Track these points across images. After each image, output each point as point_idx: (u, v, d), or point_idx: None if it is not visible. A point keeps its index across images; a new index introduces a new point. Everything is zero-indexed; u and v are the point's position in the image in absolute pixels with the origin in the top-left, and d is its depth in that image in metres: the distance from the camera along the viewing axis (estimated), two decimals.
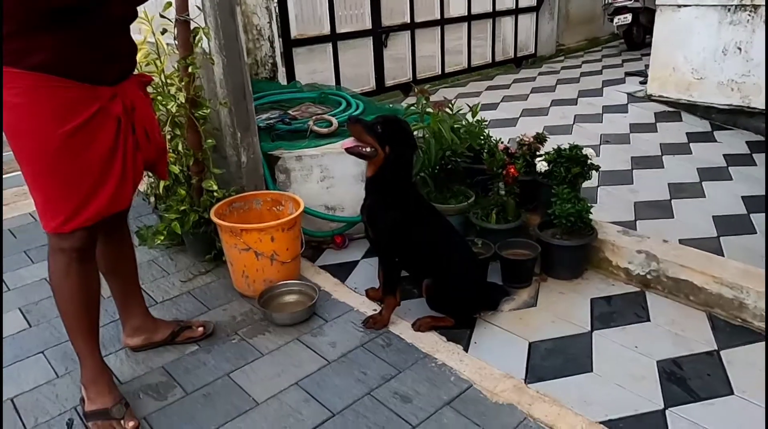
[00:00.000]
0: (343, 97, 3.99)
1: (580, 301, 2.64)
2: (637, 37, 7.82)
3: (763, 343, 2.31)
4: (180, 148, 2.77)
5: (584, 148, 2.82)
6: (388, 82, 5.88)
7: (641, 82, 6.12)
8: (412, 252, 2.38)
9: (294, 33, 4.96)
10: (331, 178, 3.17)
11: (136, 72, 1.98)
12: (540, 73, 6.80)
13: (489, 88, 6.26)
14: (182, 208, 2.85)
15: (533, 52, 7.56)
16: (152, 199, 3.26)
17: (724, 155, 4.53)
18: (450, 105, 2.72)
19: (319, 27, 5.18)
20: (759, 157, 4.42)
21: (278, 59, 4.70)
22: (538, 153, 3.06)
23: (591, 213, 2.72)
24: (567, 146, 2.88)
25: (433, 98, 5.88)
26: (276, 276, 2.63)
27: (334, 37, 5.26)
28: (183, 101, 2.63)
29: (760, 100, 4.97)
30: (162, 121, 2.74)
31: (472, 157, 3.11)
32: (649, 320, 2.49)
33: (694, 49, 5.32)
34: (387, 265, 2.42)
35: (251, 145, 3.01)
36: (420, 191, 2.45)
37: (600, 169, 2.96)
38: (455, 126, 2.78)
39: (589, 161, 2.82)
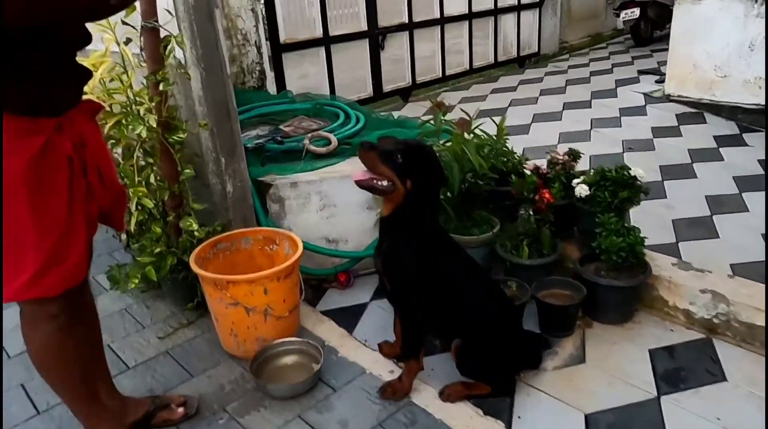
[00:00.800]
0: (341, 108, 3.54)
1: (636, 354, 2.21)
2: (645, 32, 7.41)
3: None
4: (152, 179, 2.31)
5: (633, 169, 2.38)
6: (386, 88, 5.43)
7: (657, 81, 5.71)
8: (438, 307, 1.94)
9: (283, 37, 4.50)
10: (331, 206, 2.73)
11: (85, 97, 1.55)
12: (547, 74, 6.38)
13: (494, 90, 5.82)
14: (157, 249, 2.39)
15: (536, 50, 7.14)
16: (123, 235, 2.80)
17: (759, 161, 4.13)
18: (471, 120, 2.28)
19: (310, 30, 4.72)
20: None
21: (266, 66, 4.23)
22: (571, 171, 2.63)
23: (644, 246, 2.29)
24: (613, 168, 2.44)
25: (438, 103, 5.48)
26: (271, 333, 2.18)
27: (327, 41, 4.81)
28: (154, 125, 2.17)
29: None
30: (129, 149, 2.29)
31: (497, 179, 2.67)
32: (725, 379, 2.06)
33: (716, 45, 4.91)
34: (408, 325, 1.98)
35: (238, 172, 2.56)
36: (446, 232, 2.00)
37: (647, 191, 2.52)
38: (478, 144, 2.33)
39: (638, 183, 2.38)
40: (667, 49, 7.05)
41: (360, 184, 1.84)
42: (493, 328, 1.95)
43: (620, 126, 4.76)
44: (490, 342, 1.94)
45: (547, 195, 2.41)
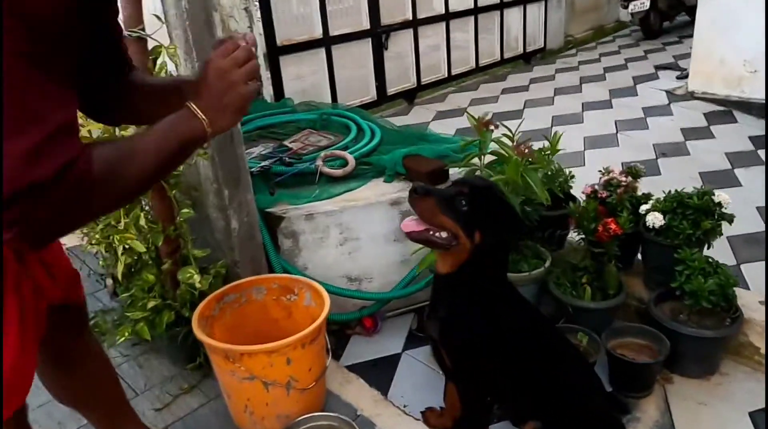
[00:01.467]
0: (352, 118, 3.13)
1: (734, 417, 1.85)
2: (655, 24, 7.07)
3: None
4: (143, 221, 1.90)
5: (715, 193, 2.01)
6: (390, 90, 5.03)
7: (679, 77, 5.37)
8: (511, 385, 1.56)
9: (280, 38, 4.08)
10: (354, 240, 2.33)
11: None
12: (557, 71, 6.01)
13: (504, 90, 5.45)
14: (151, 303, 1.98)
15: (542, 45, 6.78)
16: (109, 280, 2.39)
17: None
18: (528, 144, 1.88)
19: (309, 29, 4.31)
20: None
21: (263, 71, 3.82)
22: (633, 193, 2.26)
23: (737, 286, 1.92)
24: (692, 190, 2.07)
25: (442, 107, 5.09)
26: (295, 409, 1.79)
27: (327, 41, 4.39)
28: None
29: None
30: None
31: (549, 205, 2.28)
32: None
33: (745, 38, 4.57)
34: (471, 405, 1.60)
35: (244, 205, 2.15)
36: (513, 286, 1.61)
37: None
38: (535, 168, 1.94)
39: (722, 210, 2.02)
40: (679, 42, 6.79)
41: (413, 237, 1.45)
42: (579, 405, 1.57)
43: (647, 128, 4.41)
44: (577, 422, 1.56)
45: (613, 226, 2.03)
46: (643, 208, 2.13)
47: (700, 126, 4.45)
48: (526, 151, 1.79)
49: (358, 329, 2.40)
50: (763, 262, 2.72)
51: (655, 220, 2.02)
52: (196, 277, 1.89)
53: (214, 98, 0.96)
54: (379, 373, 2.15)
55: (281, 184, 2.47)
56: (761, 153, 3.99)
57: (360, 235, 2.33)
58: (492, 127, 1.96)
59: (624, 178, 2.21)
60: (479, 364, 1.53)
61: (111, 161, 0.85)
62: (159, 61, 1.73)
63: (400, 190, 2.40)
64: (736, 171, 3.75)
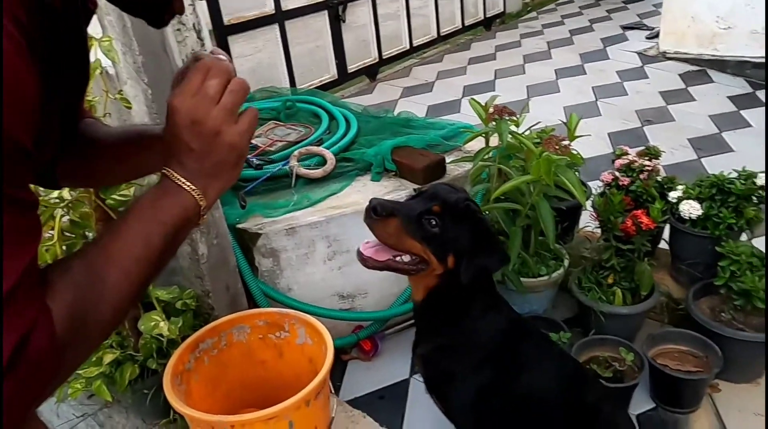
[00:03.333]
0: (320, 105, 2.77)
1: None
2: None
3: None
4: None
5: (758, 175, 1.78)
6: (351, 67, 4.64)
7: (648, 37, 5.17)
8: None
9: (227, 16, 3.63)
10: (344, 253, 2.01)
11: None
12: (522, 36, 5.72)
13: (471, 60, 5.13)
14: (108, 357, 1.62)
15: (502, 9, 6.46)
16: None
17: None
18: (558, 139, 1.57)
19: (258, 5, 3.86)
20: None
21: None
22: (657, 177, 2.01)
23: None
24: (730, 173, 1.83)
25: (408, 82, 4.73)
26: None
27: (280, 16, 3.96)
28: None
29: None
30: (47, 222, 1.48)
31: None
32: None
33: None
34: None
35: (212, 225, 1.78)
36: (514, 312, 1.33)
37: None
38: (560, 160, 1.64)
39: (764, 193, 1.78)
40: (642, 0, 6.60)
41: (368, 264, 1.20)
42: None
43: (626, 94, 4.19)
44: None
45: (644, 219, 1.77)
46: (673, 195, 1.87)
47: (677, 88, 4.27)
48: (556, 146, 1.49)
49: (354, 353, 2.09)
50: None
51: (692, 209, 1.78)
52: (163, 325, 1.53)
53: (197, 161, 0.65)
54: (387, 407, 1.86)
55: (252, 192, 2.10)
56: (744, 113, 3.84)
57: (350, 247, 2.00)
58: (506, 115, 1.64)
59: (648, 162, 1.95)
60: (476, 416, 1.25)
61: (78, 306, 0.56)
62: (91, 60, 1.33)
63: (392, 189, 2.08)
64: (724, 135, 3.58)
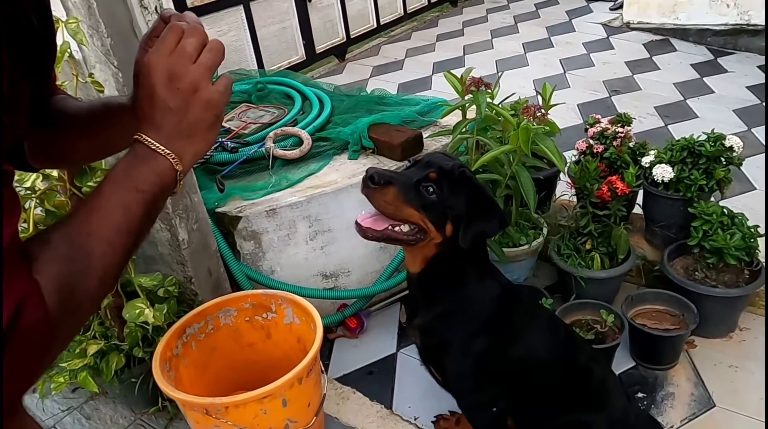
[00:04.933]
0: (292, 86, 2.74)
1: None
2: None
3: None
4: None
5: (727, 137, 1.83)
6: (319, 47, 4.59)
7: (612, 8, 5.23)
8: (518, 393, 1.33)
9: None
10: (326, 232, 2.00)
11: None
12: (488, 11, 5.72)
13: (440, 37, 5.11)
14: (92, 347, 1.59)
15: None
16: None
17: (748, 88, 3.78)
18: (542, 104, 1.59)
19: None
20: None
21: None
22: (629, 143, 2.05)
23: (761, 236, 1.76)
24: (700, 135, 1.87)
25: (377, 61, 4.70)
26: None
27: None
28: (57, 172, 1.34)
29: (761, 16, 4.22)
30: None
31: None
32: None
33: None
34: (478, 424, 1.37)
35: (191, 209, 1.76)
36: (503, 279, 1.35)
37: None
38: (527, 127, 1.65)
39: (733, 155, 1.84)
40: None
41: (368, 235, 1.19)
42: (612, 411, 1.36)
43: (593, 65, 4.25)
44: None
45: (619, 184, 1.81)
46: (646, 160, 1.92)
47: (642, 58, 4.34)
48: (534, 115, 1.50)
49: (340, 331, 2.11)
50: (740, 196, 2.65)
51: (665, 173, 1.82)
52: (148, 313, 1.51)
53: (173, 120, 0.62)
54: (377, 383, 1.88)
55: (229, 176, 2.08)
56: (707, 81, 3.94)
57: (332, 226, 2.00)
58: (483, 86, 1.65)
59: (620, 128, 1.99)
60: (476, 382, 1.28)
61: (65, 279, 0.55)
62: (59, 43, 1.29)
63: (370, 167, 2.08)
64: (689, 102, 3.67)
